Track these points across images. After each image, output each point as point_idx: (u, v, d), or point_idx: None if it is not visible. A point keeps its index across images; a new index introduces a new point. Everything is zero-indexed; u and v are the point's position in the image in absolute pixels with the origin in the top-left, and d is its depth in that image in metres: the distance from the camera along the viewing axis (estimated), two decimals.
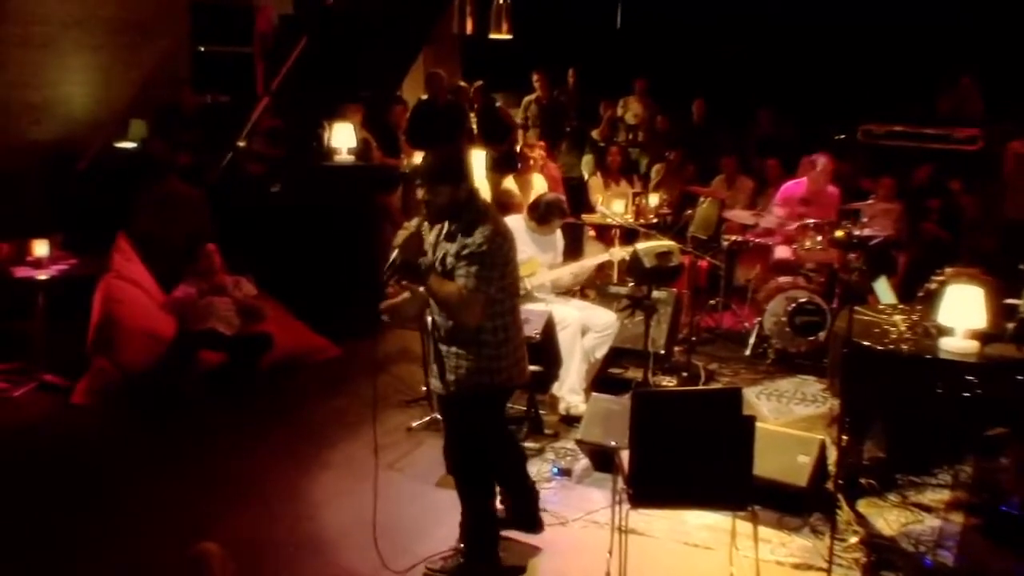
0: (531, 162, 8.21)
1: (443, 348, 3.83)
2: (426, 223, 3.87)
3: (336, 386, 6.31)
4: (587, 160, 10.59)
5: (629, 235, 7.61)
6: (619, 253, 6.30)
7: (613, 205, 8.18)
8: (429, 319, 3.93)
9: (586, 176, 10.07)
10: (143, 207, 7.03)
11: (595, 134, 11.12)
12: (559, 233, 6.17)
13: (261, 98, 8.30)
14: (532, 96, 10.74)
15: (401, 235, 3.70)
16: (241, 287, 6.60)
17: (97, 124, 8.01)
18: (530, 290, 5.88)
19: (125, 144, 8.04)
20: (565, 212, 6.07)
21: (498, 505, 4.20)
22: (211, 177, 7.63)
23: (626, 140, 11.05)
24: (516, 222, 6.00)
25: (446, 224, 3.81)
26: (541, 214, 5.92)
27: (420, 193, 3.78)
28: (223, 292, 6.47)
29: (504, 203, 7.75)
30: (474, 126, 9.94)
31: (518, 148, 9.29)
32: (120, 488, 4.91)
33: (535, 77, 10.65)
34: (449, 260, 3.72)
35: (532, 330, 5.29)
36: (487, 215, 3.78)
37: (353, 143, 7.66)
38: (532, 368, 5.12)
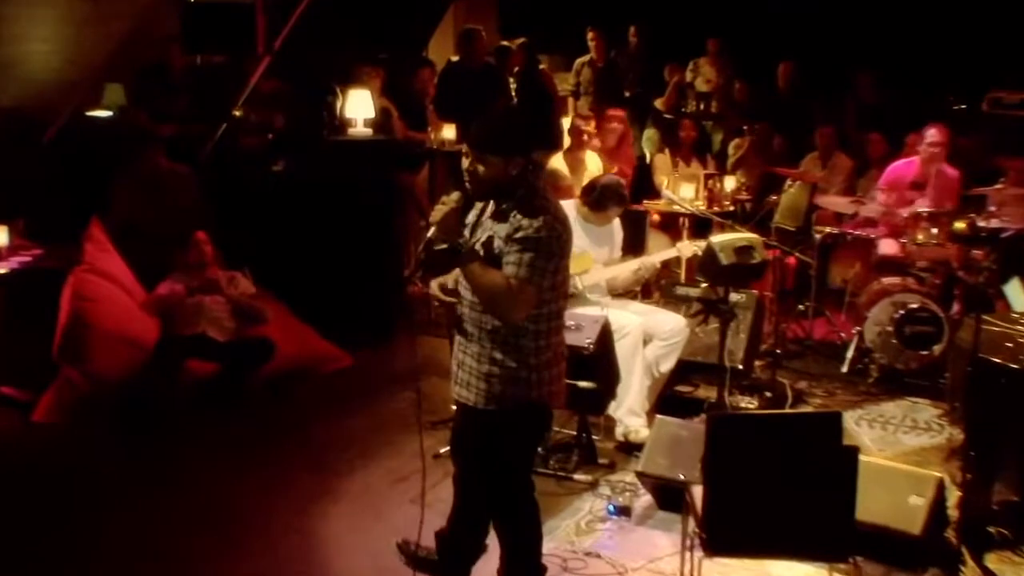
0: (583, 137, 8.21)
1: (472, 349, 3.85)
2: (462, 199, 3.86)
3: (348, 402, 6.35)
4: (650, 135, 10.67)
5: (701, 226, 7.63)
6: (689, 247, 6.29)
7: (681, 189, 8.23)
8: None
9: (649, 155, 10.13)
10: (121, 188, 7.10)
11: (660, 104, 11.14)
12: (617, 223, 6.20)
13: (262, 58, 8.38)
14: (585, 58, 10.78)
15: (439, 210, 3.69)
16: (237, 284, 6.67)
17: (66, 88, 8.06)
18: (582, 290, 5.89)
19: (99, 112, 8.15)
20: (625, 198, 6.09)
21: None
22: (202, 153, 7.72)
23: (697, 111, 11.04)
24: (566, 210, 5.99)
25: (491, 202, 3.83)
26: (596, 200, 5.94)
27: (465, 162, 3.80)
28: (215, 290, 6.53)
29: (551, 187, 7.75)
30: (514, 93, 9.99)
31: (568, 120, 9.31)
32: (90, 526, 4.89)
33: (589, 36, 10.69)
34: (497, 244, 3.71)
35: (584, 339, 5.30)
36: (546, 197, 3.79)
37: (371, 113, 7.69)
38: (584, 384, 5.24)
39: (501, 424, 3.83)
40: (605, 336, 5.47)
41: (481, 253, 3.71)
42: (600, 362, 5.39)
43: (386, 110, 8.13)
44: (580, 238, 5.84)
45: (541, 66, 10.66)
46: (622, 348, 5.66)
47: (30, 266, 6.49)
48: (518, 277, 3.62)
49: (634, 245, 7.09)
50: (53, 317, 6.21)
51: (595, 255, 6.00)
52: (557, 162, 8.24)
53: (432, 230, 3.67)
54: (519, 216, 3.67)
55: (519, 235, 3.64)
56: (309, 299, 7.05)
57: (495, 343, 3.77)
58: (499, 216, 3.75)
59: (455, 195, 3.74)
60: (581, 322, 5.39)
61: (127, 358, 6.15)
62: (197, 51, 8.75)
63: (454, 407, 4.02)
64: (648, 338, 5.91)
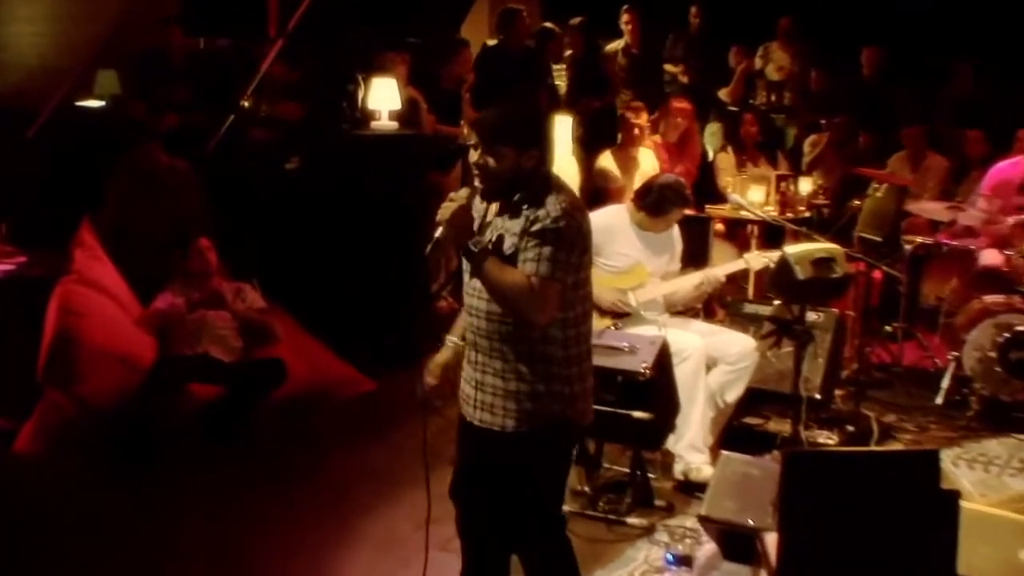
0: (635, 132, 8.21)
1: (493, 366, 3.85)
2: (477, 196, 3.92)
3: (370, 432, 6.36)
4: (713, 131, 10.68)
5: (772, 234, 7.62)
6: (759, 259, 6.29)
7: (749, 193, 8.23)
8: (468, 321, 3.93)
9: (711, 153, 10.10)
10: (114, 188, 7.13)
11: (724, 94, 11.14)
12: (676, 231, 6.20)
13: (274, 42, 8.44)
14: (618, 43, 10.77)
15: (448, 207, 3.73)
16: (244, 297, 6.70)
17: (54, 75, 8.18)
18: (637, 307, 5.91)
19: (91, 103, 8.26)
20: (688, 200, 6.10)
21: None
22: (206, 148, 7.72)
23: (767, 103, 11.06)
24: (617, 214, 6.10)
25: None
26: (654, 203, 5.95)
27: (473, 155, 3.84)
28: (220, 304, 6.56)
29: (599, 188, 7.86)
30: (562, 81, 10.05)
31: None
32: (77, 569, 4.87)
33: (624, 18, 10.69)
34: (509, 241, 3.75)
35: (639, 363, 5.30)
36: (560, 185, 3.84)
37: (397, 104, 7.71)
38: (639, 415, 5.24)
39: (534, 448, 3.84)
40: (663, 360, 5.47)
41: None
42: (657, 390, 5.39)
43: (413, 101, 8.16)
44: (633, 247, 5.98)
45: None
46: (682, 374, 5.66)
47: (12, 275, 6.53)
48: (539, 274, 3.65)
49: (696, 256, 7.10)
50: (37, 333, 6.21)
51: (651, 267, 6.01)
52: (605, 161, 8.32)
53: (440, 230, 3.72)
54: (532, 208, 3.72)
55: (535, 228, 3.68)
56: (326, 315, 7.05)
57: (519, 356, 3.79)
58: (510, 211, 3.79)
59: (464, 191, 3.81)
60: (635, 344, 5.38)
61: (120, 380, 6.17)
62: (200, 33, 8.84)
63: (462, 438, 4.00)
64: (712, 363, 5.90)
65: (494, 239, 3.78)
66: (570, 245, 3.69)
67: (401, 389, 6.65)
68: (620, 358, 5.30)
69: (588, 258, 3.85)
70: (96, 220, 6.86)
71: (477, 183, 3.84)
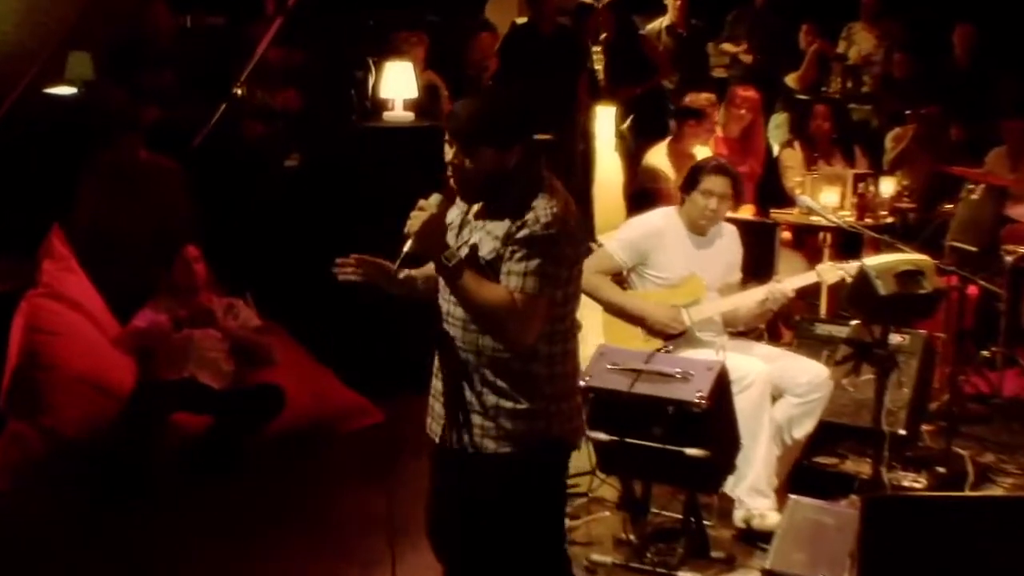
0: (692, 123, 8.25)
1: (470, 381, 3.88)
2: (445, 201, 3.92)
3: (378, 470, 6.08)
4: (779, 122, 10.78)
5: (849, 243, 7.66)
6: (833, 272, 6.24)
7: (822, 195, 8.20)
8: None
9: (776, 148, 10.11)
10: (88, 188, 7.11)
11: (792, 80, 11.15)
12: (735, 236, 6.22)
13: (272, 20, 8.39)
14: (660, 22, 10.84)
15: (417, 217, 3.74)
16: (237, 314, 6.73)
17: (18, 58, 8.10)
18: (691, 327, 5.92)
19: (61, 89, 8.21)
20: (741, 193, 6.12)
21: None
22: (193, 143, 7.69)
23: (842, 90, 11.09)
24: (667, 218, 6.15)
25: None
26: (686, 181, 6.03)
27: (448, 153, 3.85)
28: (209, 322, 6.58)
29: (647, 190, 7.87)
30: (599, 66, 10.07)
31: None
32: None
33: None
34: (490, 244, 3.78)
35: (694, 392, 5.27)
36: (553, 186, 3.85)
37: (414, 91, 7.70)
38: (693, 452, 5.22)
39: (521, 469, 3.87)
40: (722, 388, 5.43)
41: (464, 258, 3.75)
42: (715, 423, 5.35)
43: (433, 87, 8.23)
44: (687, 257, 6.01)
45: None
46: (744, 405, 5.63)
47: None
48: (524, 289, 3.68)
49: (760, 268, 7.07)
50: (1, 355, 6.24)
51: (707, 279, 6.02)
52: (656, 157, 8.32)
53: (408, 243, 3.74)
54: (519, 210, 3.73)
55: (522, 234, 3.70)
56: (330, 335, 7.05)
57: (498, 371, 3.82)
58: (491, 213, 3.83)
59: (435, 198, 3.80)
60: (690, 369, 5.35)
61: (94, 409, 6.17)
62: (187, 10, 8.78)
63: (434, 466, 4.05)
64: (778, 393, 5.88)
65: (471, 243, 3.82)
66: (561, 256, 3.74)
67: (412, 420, 6.54)
68: (672, 386, 5.29)
69: (579, 270, 3.90)
70: (67, 226, 6.86)
71: (452, 183, 3.86)
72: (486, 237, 3.79)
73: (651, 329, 5.88)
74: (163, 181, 7.20)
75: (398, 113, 7.68)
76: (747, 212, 8.05)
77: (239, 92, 7.99)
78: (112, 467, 5.96)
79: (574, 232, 3.79)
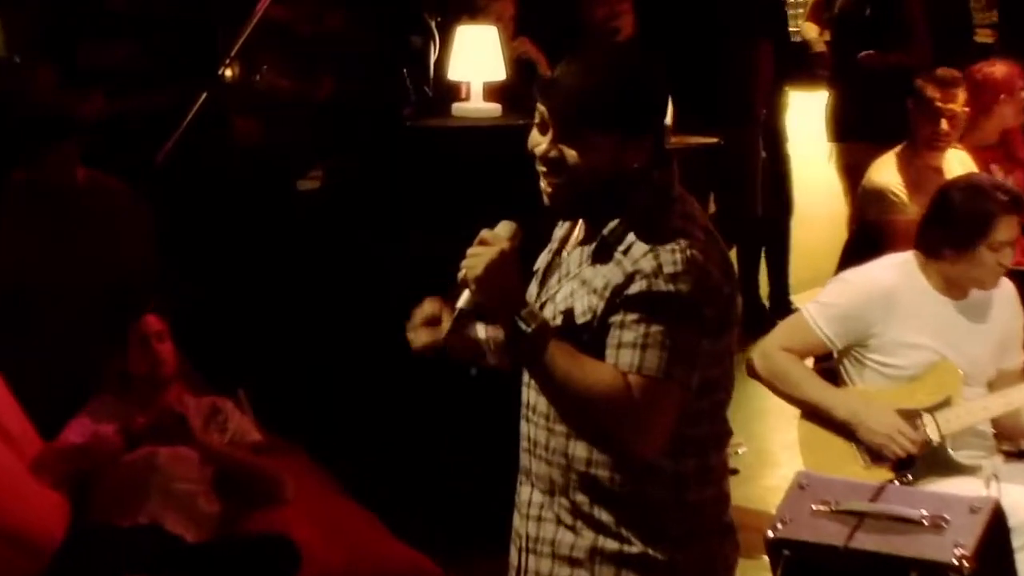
0: (943, 126, 7.07)
1: (556, 510, 3.45)
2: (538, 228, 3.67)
3: None
4: None
5: None
6: None
7: None
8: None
9: None
10: (4, 215, 6.15)
11: None
12: (1013, 297, 5.40)
13: None
14: None
15: (478, 256, 3.27)
16: (225, 423, 5.91)
17: None
18: (942, 442, 5.20)
19: None
20: (1017, 206, 5.25)
21: None
22: (158, 155, 6.76)
23: None
24: (902, 271, 5.39)
25: (580, 224, 3.47)
26: (945, 226, 5.34)
27: (539, 142, 3.38)
28: (181, 435, 5.66)
29: (870, 223, 7.12)
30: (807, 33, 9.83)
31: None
32: None
33: None
34: (585, 301, 3.31)
35: (950, 546, 4.57)
36: (687, 212, 3.38)
37: (500, 71, 6.71)
38: None
39: None
40: (995, 540, 4.72)
41: (561, 327, 3.34)
42: None
43: (528, 63, 7.27)
44: (935, 332, 5.20)
45: None
46: None
47: None
48: (642, 370, 3.21)
49: None
50: None
51: (966, 367, 5.18)
52: (883, 172, 7.22)
53: (464, 296, 3.34)
54: (635, 250, 3.28)
55: (637, 288, 3.24)
56: (371, 458, 6.27)
57: (598, 496, 3.40)
58: (596, 252, 3.37)
59: (505, 228, 3.37)
60: (942, 511, 4.62)
61: (7, 571, 5.34)
62: None
63: None
64: None
65: (565, 295, 3.37)
66: (697, 322, 3.27)
67: None
68: (914, 538, 4.67)
69: (727, 343, 3.43)
70: None
71: (544, 187, 3.39)
72: (580, 289, 3.33)
73: (874, 452, 5.16)
74: (110, 213, 6.27)
75: (476, 105, 6.71)
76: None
77: (227, 74, 7.19)
78: None
79: (719, 285, 3.32)
